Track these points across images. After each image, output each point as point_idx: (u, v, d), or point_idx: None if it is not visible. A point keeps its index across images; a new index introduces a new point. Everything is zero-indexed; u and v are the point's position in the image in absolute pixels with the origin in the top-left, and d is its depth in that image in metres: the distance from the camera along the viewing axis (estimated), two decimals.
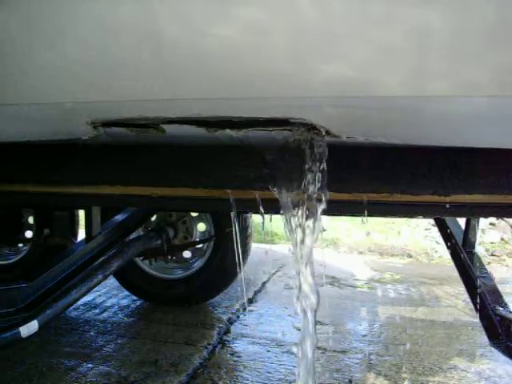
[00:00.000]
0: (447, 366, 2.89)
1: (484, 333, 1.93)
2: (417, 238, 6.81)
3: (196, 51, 0.79)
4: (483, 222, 6.48)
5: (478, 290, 2.03)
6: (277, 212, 1.33)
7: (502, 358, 1.96)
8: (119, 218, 2.69)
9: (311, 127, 1.15)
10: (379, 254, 6.23)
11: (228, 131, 1.19)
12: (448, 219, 2.51)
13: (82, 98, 1.00)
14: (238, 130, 1.18)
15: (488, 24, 0.67)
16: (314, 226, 1.30)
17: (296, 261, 1.31)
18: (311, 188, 1.24)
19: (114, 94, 0.98)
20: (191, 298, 3.74)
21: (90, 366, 2.75)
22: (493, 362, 2.95)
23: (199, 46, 0.77)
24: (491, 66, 0.78)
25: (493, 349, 1.87)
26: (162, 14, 0.69)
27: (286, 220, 1.31)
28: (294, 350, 3.01)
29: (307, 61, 0.80)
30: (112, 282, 3.97)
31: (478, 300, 2.03)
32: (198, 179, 1.43)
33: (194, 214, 3.61)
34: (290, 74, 0.84)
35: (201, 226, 3.66)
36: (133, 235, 2.98)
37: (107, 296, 3.99)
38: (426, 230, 6.94)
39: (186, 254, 3.74)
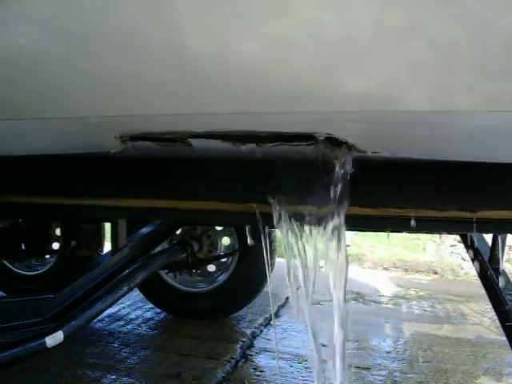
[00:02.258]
0: None
1: (511, 351, 1.90)
2: (442, 254, 6.73)
3: (222, 67, 0.80)
4: (510, 240, 6.39)
5: (505, 308, 2.00)
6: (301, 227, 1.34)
7: None
8: (145, 231, 2.71)
9: (336, 142, 1.15)
10: (404, 270, 6.18)
11: (253, 146, 1.20)
12: (474, 235, 2.48)
13: (110, 112, 1.02)
14: (264, 144, 1.19)
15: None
16: (339, 241, 1.30)
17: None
18: (335, 202, 1.24)
19: (142, 108, 1.00)
20: (215, 311, 3.74)
21: (113, 377, 2.77)
22: None
23: (226, 61, 0.78)
24: None
25: None
26: (189, 29, 0.70)
27: (307, 235, 1.31)
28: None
29: (332, 76, 0.80)
30: (137, 294, 3.99)
31: (505, 318, 2.00)
32: (222, 193, 1.44)
33: (218, 228, 3.62)
34: (315, 89, 0.85)
35: (225, 240, 3.67)
36: (158, 248, 3.00)
37: (132, 308, 4.01)
38: (452, 246, 6.86)
39: (211, 267, 3.75)
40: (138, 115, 1.03)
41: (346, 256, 1.33)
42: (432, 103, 0.88)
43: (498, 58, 0.72)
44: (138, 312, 3.94)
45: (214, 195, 1.47)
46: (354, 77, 0.80)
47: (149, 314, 3.89)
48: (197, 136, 1.19)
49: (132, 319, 3.78)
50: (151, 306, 3.93)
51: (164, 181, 1.50)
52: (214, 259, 3.63)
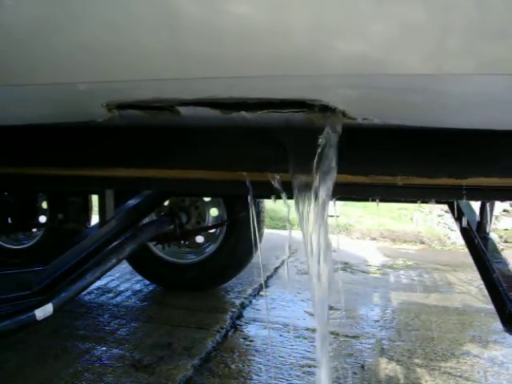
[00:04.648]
0: (460, 352, 2.89)
1: (497, 319, 1.92)
2: (430, 224, 6.78)
3: (211, 29, 0.78)
4: (497, 209, 6.44)
5: (493, 276, 2.02)
6: (290, 196, 1.32)
7: None
8: (132, 202, 2.69)
9: (327, 109, 1.14)
10: (392, 241, 6.22)
11: (243, 113, 1.18)
12: (462, 204, 2.49)
13: (96, 78, 0.99)
14: (253, 111, 1.17)
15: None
16: (327, 209, 1.29)
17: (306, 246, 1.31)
18: (325, 170, 1.23)
19: (129, 73, 0.98)
20: (204, 282, 3.75)
21: (103, 349, 2.77)
22: (506, 348, 2.94)
23: (214, 23, 0.76)
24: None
25: (506, 335, 1.86)
26: None
27: (298, 203, 1.30)
28: (306, 334, 3.02)
29: (325, 38, 0.78)
30: (125, 266, 4.00)
31: (492, 286, 2.01)
32: (212, 161, 1.42)
33: (206, 199, 3.61)
34: (307, 51, 0.83)
35: (213, 211, 3.67)
36: (146, 220, 2.99)
37: (120, 280, 4.02)
38: (439, 216, 6.91)
39: (199, 238, 3.75)
40: (125, 81, 1.00)
41: (327, 224, 1.32)
42: (426, 66, 0.86)
43: (495, 18, 0.70)
44: (127, 284, 3.95)
45: (204, 164, 1.45)
46: (345, 39, 0.78)
47: (138, 286, 3.90)
48: (185, 103, 1.17)
49: (121, 291, 3.78)
50: (140, 278, 3.93)
51: (152, 150, 1.48)
52: (203, 230, 3.63)
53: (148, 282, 3.91)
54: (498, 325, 1.91)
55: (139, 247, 2.49)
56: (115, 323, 3.16)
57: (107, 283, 3.93)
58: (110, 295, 3.69)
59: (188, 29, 0.79)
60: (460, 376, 2.61)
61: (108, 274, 2.35)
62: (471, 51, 0.80)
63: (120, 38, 0.83)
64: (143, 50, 0.87)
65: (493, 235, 3.05)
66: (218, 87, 1.04)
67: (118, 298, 3.63)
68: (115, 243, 2.36)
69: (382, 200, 1.96)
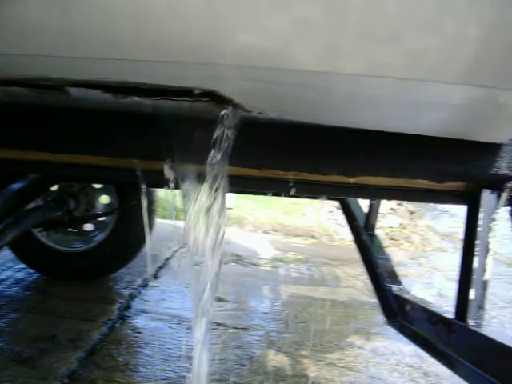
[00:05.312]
0: (344, 344, 2.98)
1: (380, 312, 1.99)
2: (320, 219, 6.95)
3: (105, 7, 0.74)
4: (383, 208, 6.71)
5: (377, 271, 2.09)
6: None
7: (397, 336, 2.03)
8: (16, 186, 2.55)
9: (221, 100, 1.12)
10: (283, 234, 6.32)
11: (136, 99, 1.14)
12: (351, 202, 2.56)
13: None
14: (147, 97, 1.13)
15: (402, 8, 0.67)
16: (219, 202, 1.27)
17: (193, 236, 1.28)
18: (218, 162, 1.21)
19: (15, 47, 0.91)
20: (92, 272, 3.63)
21: None
22: (387, 339, 3.07)
23: (109, 1, 0.72)
24: (403, 48, 0.78)
25: (388, 327, 1.93)
26: None
27: (185, 194, 1.27)
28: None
29: (222, 27, 0.76)
30: (7, 253, 3.79)
31: (376, 281, 2.08)
32: (101, 145, 1.36)
33: (97, 186, 3.49)
34: (204, 39, 0.81)
35: (104, 199, 3.55)
36: (31, 205, 2.84)
37: (1, 268, 3.81)
38: (330, 212, 7.10)
39: (88, 226, 3.61)
40: (9, 54, 0.93)
41: (225, 216, 1.31)
42: (319, 64, 0.86)
43: (386, 23, 0.71)
44: (8, 272, 3.74)
45: (93, 148, 1.38)
46: (241, 29, 0.76)
47: (20, 275, 3.71)
48: (76, 84, 1.11)
49: (2, 280, 3.58)
50: (23, 266, 3.74)
51: (38, 130, 1.39)
52: (91, 218, 3.50)
53: (32, 271, 3.73)
54: (381, 317, 1.98)
55: (23, 234, 2.36)
56: None
57: None
58: None
59: (79, 6, 0.74)
60: (344, 367, 2.69)
61: None
62: (362, 52, 0.81)
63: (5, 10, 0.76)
64: (32, 25, 0.81)
65: (379, 232, 3.17)
66: (111, 70, 0.99)
67: None
68: None
69: (275, 194, 1.97)
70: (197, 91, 1.09)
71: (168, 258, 4.38)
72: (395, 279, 2.03)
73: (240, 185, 1.40)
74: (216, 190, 1.25)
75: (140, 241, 3.49)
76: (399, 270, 2.21)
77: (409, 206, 7.50)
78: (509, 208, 1.45)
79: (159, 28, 0.78)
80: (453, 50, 0.78)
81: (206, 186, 1.25)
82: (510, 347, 1.18)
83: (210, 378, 2.35)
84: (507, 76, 0.86)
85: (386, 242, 5.84)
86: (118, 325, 2.98)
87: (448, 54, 0.80)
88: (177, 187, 1.31)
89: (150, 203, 3.50)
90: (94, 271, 3.63)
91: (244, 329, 3.06)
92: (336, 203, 4.50)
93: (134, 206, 3.31)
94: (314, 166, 1.34)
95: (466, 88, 0.94)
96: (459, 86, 0.92)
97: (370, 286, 2.18)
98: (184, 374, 2.41)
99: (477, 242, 1.33)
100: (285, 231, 6.40)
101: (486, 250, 1.34)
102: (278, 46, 0.81)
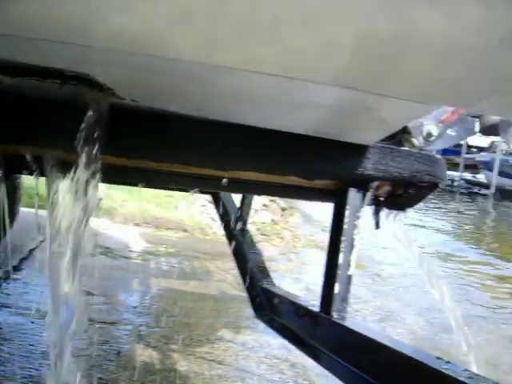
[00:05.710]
0: (214, 338, 3.01)
1: (250, 306, 2.02)
2: (193, 213, 6.95)
3: None
4: (256, 204, 6.83)
5: (247, 266, 2.12)
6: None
7: (266, 329, 2.07)
8: None
9: (93, 84, 1.07)
10: (155, 227, 6.25)
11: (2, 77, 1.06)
12: (224, 197, 2.58)
13: None
14: (11, 76, 1.06)
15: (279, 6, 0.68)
16: (87, 191, 1.22)
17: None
18: (87, 149, 1.16)
19: None
20: None
21: None
22: (256, 333, 3.13)
23: None
24: (278, 46, 0.79)
25: (257, 321, 1.97)
26: None
27: (51, 182, 1.21)
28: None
29: (93, 7, 0.73)
30: None
31: (246, 275, 2.11)
32: None
33: None
34: (74, 18, 0.77)
35: None
36: None
37: None
38: (203, 206, 7.11)
39: None
40: None
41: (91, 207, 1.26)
42: (195, 54, 0.85)
43: (265, 20, 0.71)
44: None
45: None
46: (115, 12, 0.73)
47: None
48: None
49: None
50: None
51: None
52: None
53: None
54: (250, 311, 2.01)
55: None
56: None
57: None
58: None
59: None
60: (213, 360, 2.71)
61: None
62: (238, 46, 0.81)
63: None
64: None
65: (251, 227, 3.22)
66: None
67: None
68: None
69: (146, 186, 1.94)
70: (66, 73, 1.04)
71: (32, 250, 4.17)
72: (265, 274, 2.07)
73: (109, 174, 1.36)
74: (84, 178, 1.20)
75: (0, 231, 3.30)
76: (270, 265, 2.26)
77: (281, 202, 7.69)
78: (373, 207, 1.52)
79: (31, 4, 0.74)
80: (326, 53, 0.80)
81: (73, 175, 1.19)
82: (370, 338, 1.24)
83: (73, 376, 2.27)
84: (376, 81, 0.90)
85: (257, 238, 5.94)
86: None
87: (321, 56, 0.82)
88: (42, 174, 1.25)
89: (14, 191, 3.31)
90: None
91: (112, 323, 2.99)
92: (209, 197, 4.52)
93: None
94: (186, 158, 1.33)
95: (337, 90, 0.97)
96: (331, 87, 0.95)
97: (240, 280, 2.20)
98: (47, 371, 2.31)
99: (342, 238, 1.38)
100: (157, 224, 6.33)
101: (351, 247, 1.39)
102: (152, 32, 0.79)
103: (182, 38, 0.80)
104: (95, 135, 1.13)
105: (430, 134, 1.48)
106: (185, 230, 6.30)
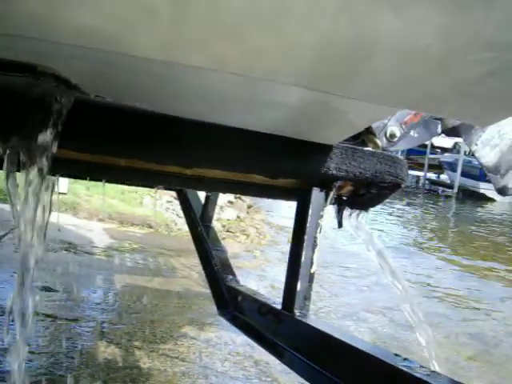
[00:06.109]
0: (178, 335, 3.00)
1: (214, 303, 2.03)
2: (159, 209, 6.91)
3: None
4: (222, 200, 6.83)
5: (212, 263, 2.12)
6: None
7: (229, 326, 2.08)
8: None
9: (58, 79, 1.06)
10: (119, 223, 6.20)
11: None
12: (189, 193, 2.57)
13: None
14: None
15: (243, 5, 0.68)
16: (47, 185, 1.21)
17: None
18: (44, 142, 1.14)
19: None
20: None
21: None
22: (220, 330, 3.14)
23: None
24: (241, 45, 0.80)
25: (220, 318, 1.97)
26: None
27: (10, 176, 1.19)
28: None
29: (61, 5, 0.73)
30: None
31: (211, 272, 2.12)
32: None
33: None
34: (39, 13, 0.76)
35: None
36: None
37: None
38: (168, 202, 7.08)
39: None
40: None
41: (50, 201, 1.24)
42: (160, 53, 0.85)
43: (227, 19, 0.72)
44: None
45: None
46: (81, 7, 0.73)
47: None
48: None
49: None
50: None
51: None
52: None
53: None
54: (214, 308, 2.02)
55: None
56: None
57: None
58: None
59: None
60: (177, 357, 2.71)
61: None
62: (202, 45, 0.81)
63: None
64: None
65: (216, 224, 3.22)
66: None
67: None
68: None
69: (110, 181, 1.93)
70: (30, 68, 1.03)
71: None
72: (229, 271, 2.08)
73: (73, 169, 1.35)
74: (44, 172, 1.19)
75: None
76: (234, 262, 2.26)
77: (247, 199, 7.71)
78: (336, 206, 1.54)
79: None
80: (288, 54, 0.81)
81: (33, 168, 1.18)
82: (330, 335, 1.25)
83: (35, 373, 2.25)
84: (339, 82, 0.91)
85: (222, 235, 5.95)
86: None
87: (283, 57, 0.83)
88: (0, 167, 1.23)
89: None
90: None
91: (74, 320, 2.96)
92: (174, 193, 4.51)
93: None
94: (149, 154, 1.32)
95: (301, 90, 0.98)
96: (294, 88, 0.96)
97: (204, 276, 2.21)
98: (3, 369, 2.28)
99: (305, 236, 1.39)
100: (121, 219, 6.28)
101: (314, 245, 1.41)
102: (114, 29, 0.79)
103: (144, 35, 0.80)
104: (57, 129, 1.12)
105: (393, 135, 1.50)
106: (150, 226, 6.26)
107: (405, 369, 1.04)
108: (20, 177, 1.19)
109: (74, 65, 0.98)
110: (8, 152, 1.18)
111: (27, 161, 1.16)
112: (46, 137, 1.11)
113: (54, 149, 1.13)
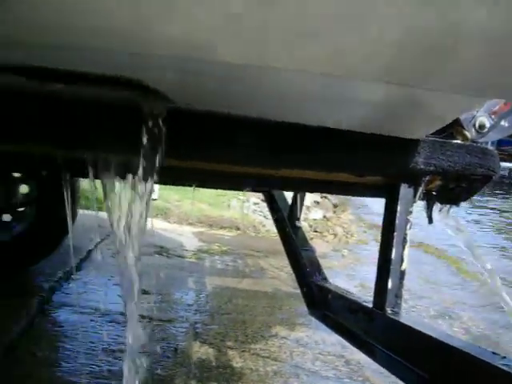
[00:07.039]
0: (269, 334, 3.02)
1: (304, 303, 2.03)
2: (246, 211, 6.99)
3: None
4: (308, 201, 6.82)
5: (301, 262, 2.13)
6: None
7: (320, 326, 2.08)
8: None
9: (148, 90, 1.11)
10: (208, 226, 6.32)
11: (56, 85, 1.10)
12: (276, 194, 2.59)
13: None
14: (68, 84, 1.10)
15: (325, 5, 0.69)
16: (146, 193, 1.26)
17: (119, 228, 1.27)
18: (147, 152, 1.20)
19: None
20: (10, 264, 3.50)
21: None
22: (310, 329, 3.14)
23: None
24: (325, 44, 0.80)
25: (311, 318, 1.98)
26: None
27: (108, 185, 1.25)
28: (120, 319, 2.96)
29: (148, 16, 0.76)
30: None
31: (300, 271, 2.12)
32: (21, 132, 1.31)
33: (16, 175, 3.36)
34: (129, 27, 0.80)
35: (23, 188, 3.43)
36: None
37: None
38: (255, 204, 7.15)
39: (6, 217, 3.48)
40: None
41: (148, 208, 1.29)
42: (248, 57, 0.87)
43: (311, 19, 0.72)
44: None
45: (14, 135, 1.33)
46: (170, 20, 0.76)
47: None
48: None
49: None
50: None
51: None
52: (10, 208, 3.38)
53: None
54: (304, 308, 2.02)
55: None
56: None
57: None
58: None
59: None
60: (268, 357, 2.73)
61: None
62: (288, 47, 0.82)
63: None
64: None
65: (303, 224, 3.23)
66: (27, 53, 0.96)
67: None
68: None
69: (199, 186, 1.97)
70: (123, 80, 1.07)
71: (90, 250, 4.28)
72: (318, 270, 2.08)
73: (163, 176, 1.39)
74: (141, 180, 1.24)
75: (61, 232, 3.40)
76: (323, 262, 2.26)
77: (332, 198, 7.66)
78: (425, 201, 1.51)
79: (84, 14, 0.77)
80: (373, 50, 0.81)
81: (130, 177, 1.23)
82: (425, 334, 1.23)
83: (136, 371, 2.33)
84: (426, 76, 0.90)
85: (310, 235, 5.95)
86: (38, 319, 2.90)
87: (370, 53, 0.82)
88: (97, 177, 1.29)
89: (72, 193, 3.41)
90: (13, 263, 3.51)
91: (169, 321, 3.05)
92: (261, 195, 4.54)
93: (55, 195, 3.22)
94: (240, 158, 1.35)
95: (386, 86, 0.97)
96: (380, 83, 0.95)
97: (293, 277, 2.21)
98: (107, 367, 2.38)
99: (395, 233, 1.38)
100: (210, 223, 6.40)
101: (404, 242, 1.39)
102: (201, 37, 0.81)
103: (231, 41, 0.81)
104: (153, 139, 1.16)
105: (482, 126, 1.46)
106: (238, 228, 6.35)
107: (504, 368, 1.01)
108: (118, 185, 1.25)
109: (163, 75, 1.01)
110: (106, 162, 1.24)
111: (128, 170, 1.21)
112: (142, 146, 1.16)
113: (152, 157, 1.18)
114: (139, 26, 0.78)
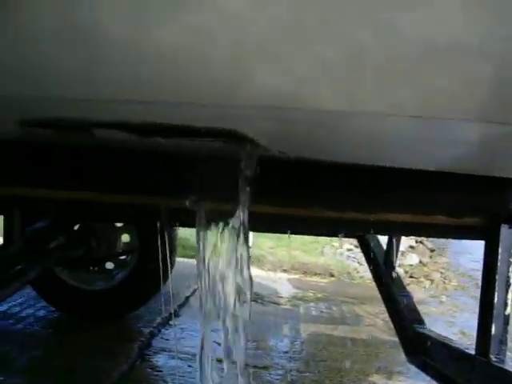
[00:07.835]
0: (366, 383, 2.94)
1: (402, 351, 1.97)
2: (339, 258, 6.92)
3: (133, 51, 0.77)
4: (403, 246, 6.66)
5: (398, 309, 2.08)
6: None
7: (418, 375, 2.00)
8: (40, 224, 2.60)
9: (243, 139, 1.14)
10: (302, 273, 6.29)
11: (159, 139, 1.16)
12: (370, 239, 2.56)
13: (11, 92, 0.95)
14: (170, 138, 1.16)
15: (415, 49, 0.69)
16: (243, 240, 1.29)
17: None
18: (241, 200, 1.23)
19: (43, 90, 0.95)
20: (112, 310, 3.64)
21: (1, 378, 2.62)
22: (409, 378, 3.02)
23: (134, 44, 0.75)
24: (417, 87, 0.80)
25: (409, 366, 1.92)
26: (105, 12, 0.67)
27: (201, 233, 1.29)
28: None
29: (245, 70, 0.79)
30: (28, 291, 3.81)
31: (397, 318, 2.07)
32: (124, 184, 1.39)
33: (118, 225, 3.52)
34: (226, 83, 0.84)
35: (125, 237, 3.57)
36: (53, 244, 2.88)
37: (23, 306, 3.82)
38: (349, 250, 7.07)
39: (109, 264, 3.64)
40: (40, 98, 0.97)
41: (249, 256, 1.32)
42: (338, 104, 0.89)
43: (403, 62, 0.73)
44: (30, 310, 3.75)
45: (117, 187, 1.41)
46: (265, 73, 0.79)
47: (41, 313, 3.72)
48: (97, 125, 1.14)
49: (23, 317, 3.60)
50: (44, 303, 3.75)
51: (65, 170, 1.43)
52: (112, 256, 3.53)
53: (53, 309, 3.74)
54: (402, 356, 1.97)
55: (44, 272, 2.39)
56: (16, 351, 3.00)
57: (8, 308, 3.73)
58: (11, 321, 3.51)
59: (109, 52, 0.77)
60: None
61: (9, 299, 2.24)
62: (381, 91, 0.83)
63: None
64: (59, 70, 0.85)
65: (399, 270, 3.16)
66: (132, 111, 1.02)
67: (20, 325, 3.45)
68: (19, 266, 2.26)
69: (293, 232, 1.98)
70: (218, 131, 1.11)
71: (188, 297, 4.37)
72: (416, 317, 2.02)
73: (257, 223, 1.42)
74: (239, 228, 1.27)
75: (160, 279, 3.49)
76: (420, 308, 2.19)
77: (428, 243, 7.45)
78: None
79: (181, 71, 0.81)
80: (468, 89, 0.80)
81: (228, 225, 1.27)
82: None
83: None
84: None
85: (406, 280, 5.78)
86: (137, 363, 2.97)
87: (464, 93, 0.82)
88: (193, 226, 1.33)
89: (170, 241, 3.51)
90: (115, 309, 3.64)
91: (264, 368, 3.04)
92: (354, 241, 4.48)
93: (154, 243, 3.32)
94: (335, 203, 1.36)
95: (482, 125, 0.95)
96: (475, 123, 0.94)
97: (390, 324, 2.16)
98: None
99: (496, 276, 1.33)
100: (304, 270, 6.37)
101: (507, 285, 1.34)
102: (299, 87, 0.83)
103: (325, 90, 0.83)
104: (247, 186, 1.20)
105: None
106: (332, 275, 6.28)
107: None
108: (216, 233, 1.28)
109: (258, 125, 1.05)
110: (203, 210, 1.29)
111: (221, 218, 1.25)
112: (238, 194, 1.19)
113: (249, 204, 1.21)
114: (234, 79, 0.82)
